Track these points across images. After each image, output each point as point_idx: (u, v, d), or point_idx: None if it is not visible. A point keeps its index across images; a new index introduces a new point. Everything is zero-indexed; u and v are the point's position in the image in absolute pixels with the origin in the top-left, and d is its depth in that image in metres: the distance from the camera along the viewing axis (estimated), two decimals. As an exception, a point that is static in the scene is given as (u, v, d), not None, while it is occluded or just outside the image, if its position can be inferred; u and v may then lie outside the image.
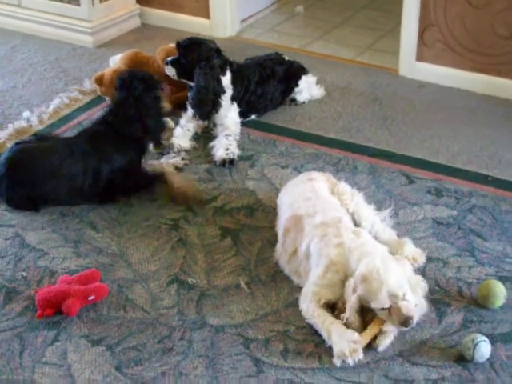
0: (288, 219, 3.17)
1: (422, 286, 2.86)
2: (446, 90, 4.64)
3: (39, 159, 3.54)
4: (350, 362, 2.68)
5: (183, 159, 3.90)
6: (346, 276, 2.83)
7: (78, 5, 5.21)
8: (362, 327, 2.77)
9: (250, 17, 5.71)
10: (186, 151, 4.01)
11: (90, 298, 2.97)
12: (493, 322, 2.91)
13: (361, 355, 2.69)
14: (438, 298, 3.01)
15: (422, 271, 3.13)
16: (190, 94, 4.10)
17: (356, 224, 3.18)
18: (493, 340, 2.78)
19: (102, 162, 3.55)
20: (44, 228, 3.45)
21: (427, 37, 4.65)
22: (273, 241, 3.29)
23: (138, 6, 5.55)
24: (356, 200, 3.29)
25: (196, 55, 4.01)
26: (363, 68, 4.96)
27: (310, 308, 2.86)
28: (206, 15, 5.37)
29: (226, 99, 4.08)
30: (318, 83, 4.58)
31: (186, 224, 3.47)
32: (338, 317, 2.82)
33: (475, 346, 2.69)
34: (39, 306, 2.95)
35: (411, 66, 4.77)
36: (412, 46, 4.71)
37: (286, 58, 4.48)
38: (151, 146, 3.84)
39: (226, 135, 4.00)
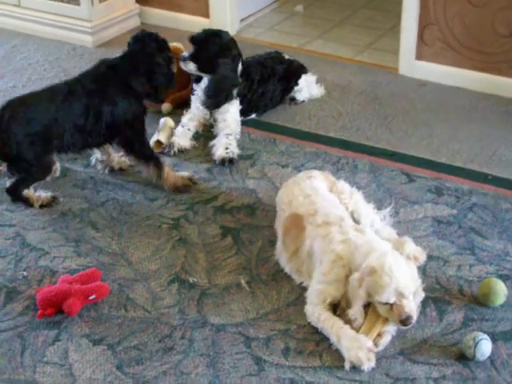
0: (288, 218, 3.17)
1: (421, 295, 2.87)
2: (446, 88, 4.64)
3: (39, 98, 3.59)
4: (365, 369, 2.68)
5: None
6: (351, 271, 2.83)
7: (78, 4, 5.21)
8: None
9: (250, 16, 5.71)
10: (187, 150, 4.02)
11: (91, 298, 2.97)
12: (493, 320, 2.91)
13: (373, 363, 2.69)
14: (439, 297, 3.01)
15: (422, 270, 3.13)
16: (203, 85, 4.08)
17: (355, 223, 3.17)
18: (494, 338, 2.78)
19: (103, 102, 3.58)
20: (45, 227, 3.45)
21: (427, 35, 4.65)
22: (273, 240, 3.29)
23: (137, 5, 5.54)
24: (355, 199, 3.29)
25: (218, 46, 4.00)
26: (363, 67, 4.96)
27: (316, 311, 2.85)
28: (206, 14, 5.37)
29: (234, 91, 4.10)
30: (317, 82, 4.58)
31: (186, 223, 3.47)
32: (340, 316, 2.82)
33: (476, 344, 2.69)
34: (40, 306, 2.95)
35: (411, 64, 4.77)
36: (412, 44, 4.71)
37: (286, 57, 4.48)
38: (152, 144, 3.86)
39: (227, 134, 4.00)
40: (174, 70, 3.85)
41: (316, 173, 3.40)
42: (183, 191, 3.68)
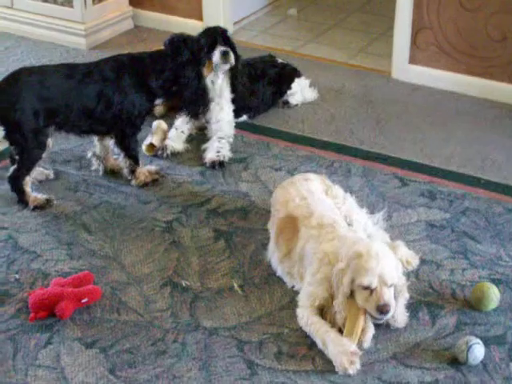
0: (282, 219, 3.16)
1: (406, 296, 2.88)
2: (439, 92, 4.65)
3: (57, 71, 3.58)
4: (351, 372, 2.68)
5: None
6: None
7: (71, 7, 5.20)
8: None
9: (243, 19, 5.71)
10: (180, 153, 4.01)
11: (83, 301, 2.96)
12: (486, 324, 2.91)
13: (359, 365, 2.69)
14: (432, 301, 3.02)
15: (415, 274, 3.13)
16: None
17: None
18: (486, 342, 2.78)
19: (116, 91, 3.58)
20: (37, 230, 3.44)
21: (420, 39, 4.66)
22: (266, 243, 3.28)
23: (130, 8, 5.54)
24: (348, 203, 3.30)
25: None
26: (356, 70, 4.97)
27: (305, 315, 2.86)
28: (199, 17, 5.37)
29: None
30: (311, 86, 4.59)
31: (179, 226, 3.46)
32: (326, 314, 2.82)
33: (469, 348, 2.69)
34: (32, 309, 2.94)
35: (404, 68, 4.78)
36: (405, 48, 4.72)
37: (279, 61, 4.48)
38: (145, 147, 3.85)
39: (219, 138, 3.99)
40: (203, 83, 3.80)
41: (312, 176, 3.40)
42: (152, 185, 3.72)
